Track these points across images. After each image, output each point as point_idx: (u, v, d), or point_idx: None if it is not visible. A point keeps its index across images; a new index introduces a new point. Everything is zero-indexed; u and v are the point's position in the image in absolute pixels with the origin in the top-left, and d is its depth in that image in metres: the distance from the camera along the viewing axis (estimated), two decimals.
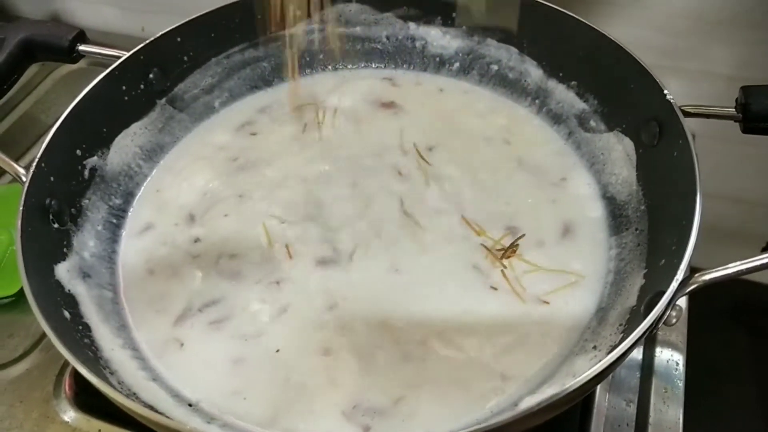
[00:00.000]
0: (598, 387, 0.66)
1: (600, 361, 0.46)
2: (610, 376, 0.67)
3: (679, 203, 0.56)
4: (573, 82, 0.74)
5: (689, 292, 0.49)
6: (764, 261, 0.48)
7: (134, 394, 0.54)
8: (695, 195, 0.53)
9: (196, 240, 0.67)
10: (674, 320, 0.50)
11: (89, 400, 0.67)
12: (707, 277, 0.49)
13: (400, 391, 0.55)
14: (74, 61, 0.72)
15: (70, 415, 0.66)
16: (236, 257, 0.65)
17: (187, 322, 0.61)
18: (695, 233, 0.51)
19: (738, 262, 0.49)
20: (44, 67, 1.05)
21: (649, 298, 0.53)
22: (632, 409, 0.66)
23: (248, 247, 0.66)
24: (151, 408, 0.51)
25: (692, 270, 0.50)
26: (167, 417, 0.49)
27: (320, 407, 0.54)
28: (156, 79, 0.75)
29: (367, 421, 0.53)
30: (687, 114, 0.60)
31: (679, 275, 0.48)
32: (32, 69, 0.75)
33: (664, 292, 0.48)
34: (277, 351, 0.58)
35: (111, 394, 0.47)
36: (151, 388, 0.55)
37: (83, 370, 0.47)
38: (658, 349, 0.69)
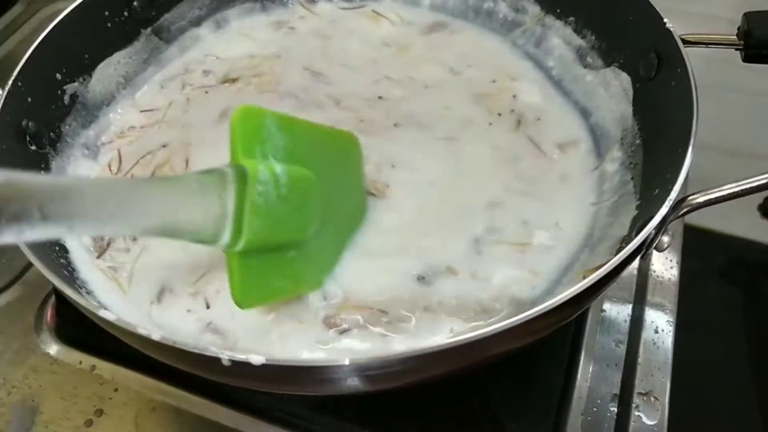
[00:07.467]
0: (587, 331, 0.64)
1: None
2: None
3: (676, 132, 0.54)
4: (571, 18, 0.72)
5: (683, 214, 0.47)
6: (761, 182, 0.46)
7: None
8: (692, 120, 0.51)
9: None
10: (666, 245, 0.49)
11: (70, 332, 0.66)
12: (702, 198, 0.47)
13: None
14: None
15: (51, 346, 0.65)
16: None
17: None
18: (689, 157, 0.49)
19: (733, 183, 0.47)
20: (30, 6, 1.02)
21: (639, 224, 0.51)
22: (621, 350, 0.65)
23: None
24: None
25: None
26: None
27: None
28: (140, 7, 0.72)
29: None
30: (687, 42, 0.57)
31: (672, 195, 0.46)
32: (17, 8, 0.71)
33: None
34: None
35: (85, 306, 0.45)
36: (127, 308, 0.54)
37: (59, 284, 0.45)
38: (647, 310, 0.68)
